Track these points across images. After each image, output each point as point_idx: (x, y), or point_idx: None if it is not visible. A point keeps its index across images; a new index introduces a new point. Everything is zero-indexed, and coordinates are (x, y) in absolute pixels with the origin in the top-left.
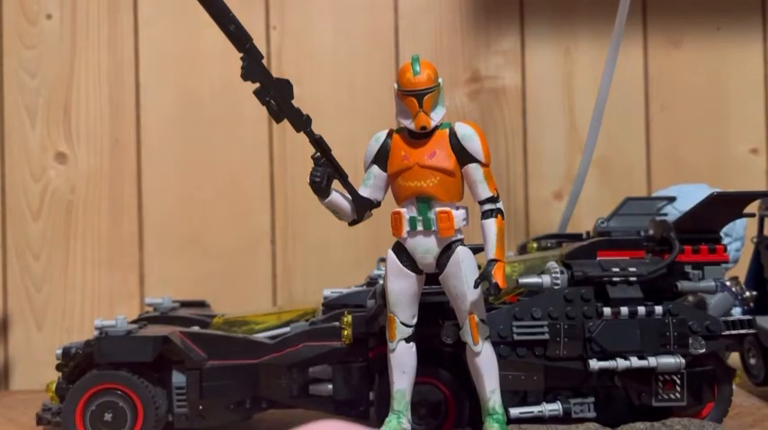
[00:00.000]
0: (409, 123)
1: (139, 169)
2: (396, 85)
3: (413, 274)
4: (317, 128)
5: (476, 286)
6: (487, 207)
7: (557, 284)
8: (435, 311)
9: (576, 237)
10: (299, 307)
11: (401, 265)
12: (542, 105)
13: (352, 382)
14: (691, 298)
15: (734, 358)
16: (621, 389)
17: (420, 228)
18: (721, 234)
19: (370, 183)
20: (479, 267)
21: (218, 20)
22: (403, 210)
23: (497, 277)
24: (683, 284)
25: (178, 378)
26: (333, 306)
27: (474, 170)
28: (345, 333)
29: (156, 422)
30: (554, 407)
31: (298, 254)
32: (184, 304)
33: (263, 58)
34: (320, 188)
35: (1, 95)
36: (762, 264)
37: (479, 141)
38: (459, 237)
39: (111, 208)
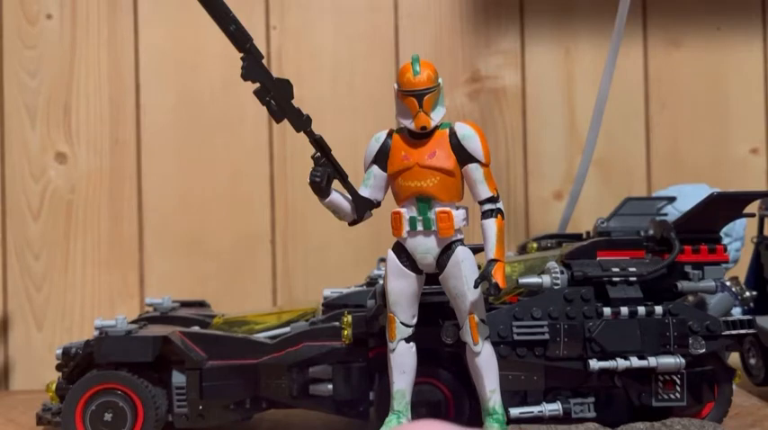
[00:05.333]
0: (409, 123)
1: (139, 169)
2: (396, 85)
3: (413, 274)
4: (317, 128)
5: (476, 286)
6: (487, 207)
7: (557, 284)
8: (435, 311)
9: (576, 237)
10: (299, 307)
11: (401, 265)
12: (542, 105)
13: (352, 382)
14: (691, 298)
15: (734, 358)
16: (621, 389)
17: (420, 228)
18: (721, 234)
19: (370, 183)
20: (479, 267)
21: (218, 20)
22: (403, 210)
23: (497, 277)
24: (683, 284)
25: (178, 378)
26: (333, 306)
27: (474, 170)
28: (345, 333)
29: (156, 422)
30: (554, 407)
31: (298, 254)
32: (184, 304)
33: (263, 58)
34: (320, 188)
35: (1, 95)
36: (762, 264)
37: (479, 141)
38: (459, 237)
39: (111, 208)
